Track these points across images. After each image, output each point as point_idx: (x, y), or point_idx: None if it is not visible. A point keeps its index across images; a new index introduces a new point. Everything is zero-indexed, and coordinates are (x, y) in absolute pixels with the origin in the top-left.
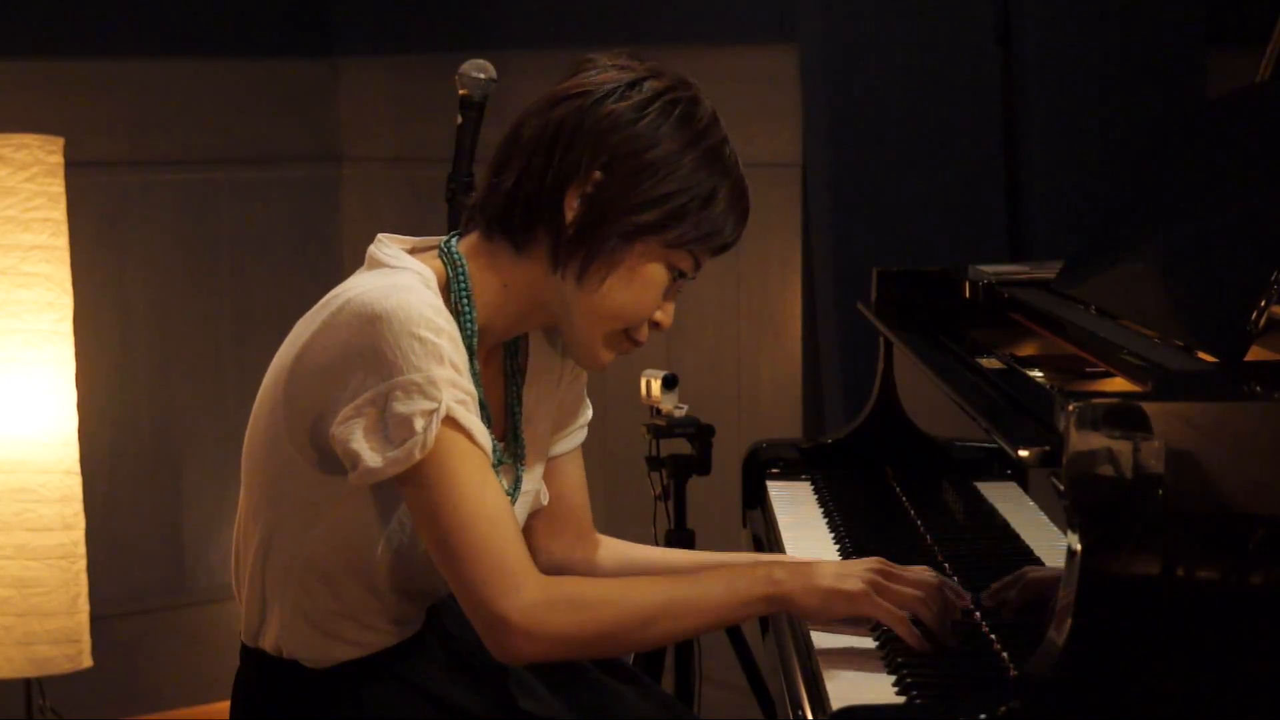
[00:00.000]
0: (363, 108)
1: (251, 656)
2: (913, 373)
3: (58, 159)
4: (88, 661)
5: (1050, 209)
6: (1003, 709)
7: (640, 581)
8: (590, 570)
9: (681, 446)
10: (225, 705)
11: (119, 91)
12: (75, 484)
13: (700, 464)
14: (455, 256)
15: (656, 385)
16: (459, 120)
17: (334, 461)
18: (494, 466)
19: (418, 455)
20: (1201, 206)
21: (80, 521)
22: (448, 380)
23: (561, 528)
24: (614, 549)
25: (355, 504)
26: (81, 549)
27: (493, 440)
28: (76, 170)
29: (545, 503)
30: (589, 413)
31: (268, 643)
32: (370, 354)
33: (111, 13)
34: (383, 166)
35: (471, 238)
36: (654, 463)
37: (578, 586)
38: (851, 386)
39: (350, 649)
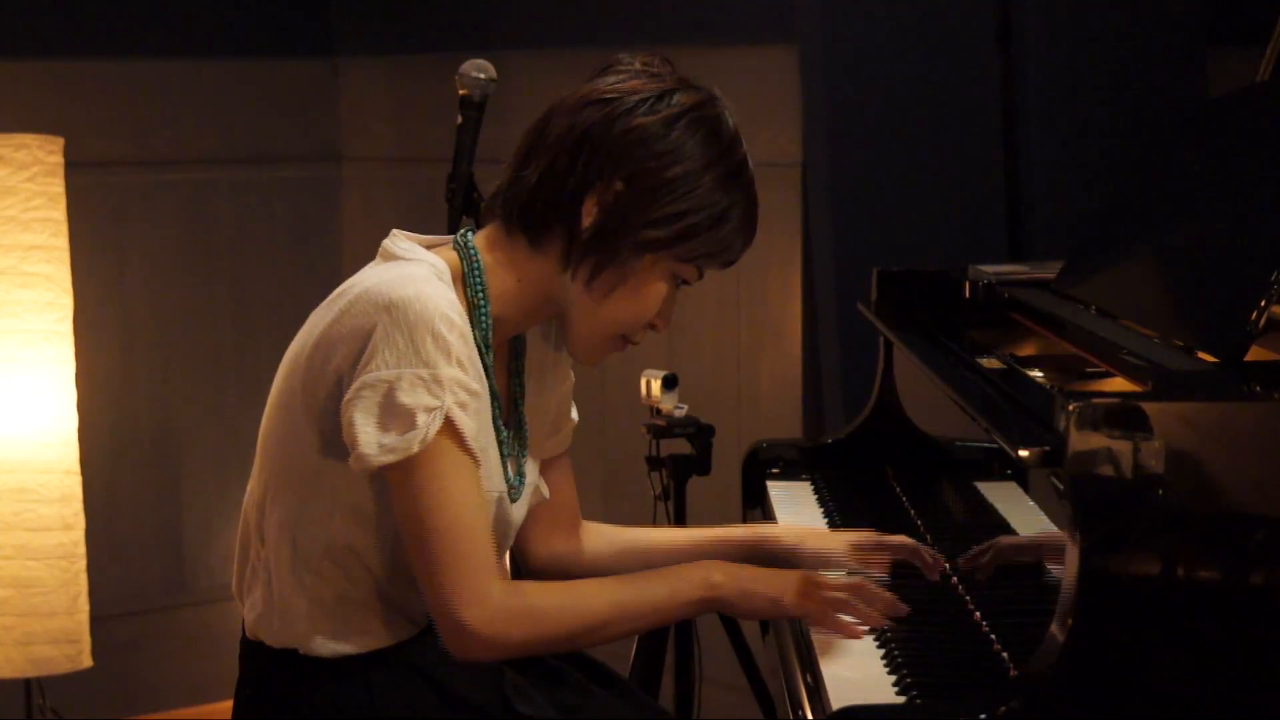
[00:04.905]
0: (363, 108)
1: (255, 652)
2: (913, 373)
3: (58, 159)
4: (88, 661)
5: (1050, 209)
6: (1003, 709)
7: (590, 587)
8: (583, 558)
9: (681, 446)
10: (225, 705)
11: (119, 91)
12: (75, 484)
13: (700, 464)
14: (471, 250)
15: (656, 385)
16: (459, 120)
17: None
18: (502, 457)
19: (416, 449)
20: (1201, 206)
21: (80, 521)
22: (453, 379)
23: (560, 525)
24: (605, 535)
25: (370, 486)
26: (81, 549)
27: (501, 430)
28: (76, 170)
29: (546, 495)
30: (575, 417)
31: (285, 637)
32: (382, 340)
33: (111, 13)
34: (383, 166)
35: (488, 230)
36: (654, 463)
37: (535, 596)
38: (851, 386)
39: (372, 640)
